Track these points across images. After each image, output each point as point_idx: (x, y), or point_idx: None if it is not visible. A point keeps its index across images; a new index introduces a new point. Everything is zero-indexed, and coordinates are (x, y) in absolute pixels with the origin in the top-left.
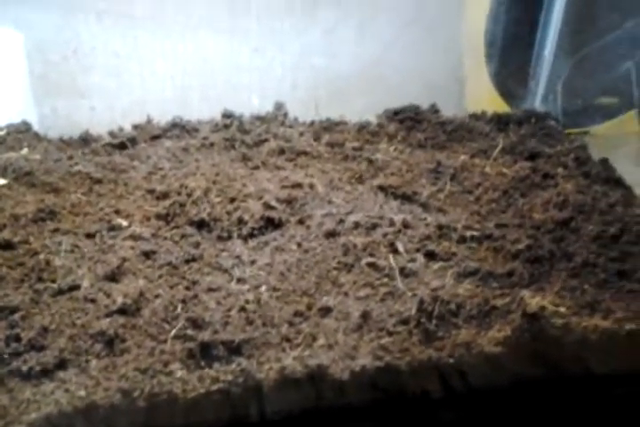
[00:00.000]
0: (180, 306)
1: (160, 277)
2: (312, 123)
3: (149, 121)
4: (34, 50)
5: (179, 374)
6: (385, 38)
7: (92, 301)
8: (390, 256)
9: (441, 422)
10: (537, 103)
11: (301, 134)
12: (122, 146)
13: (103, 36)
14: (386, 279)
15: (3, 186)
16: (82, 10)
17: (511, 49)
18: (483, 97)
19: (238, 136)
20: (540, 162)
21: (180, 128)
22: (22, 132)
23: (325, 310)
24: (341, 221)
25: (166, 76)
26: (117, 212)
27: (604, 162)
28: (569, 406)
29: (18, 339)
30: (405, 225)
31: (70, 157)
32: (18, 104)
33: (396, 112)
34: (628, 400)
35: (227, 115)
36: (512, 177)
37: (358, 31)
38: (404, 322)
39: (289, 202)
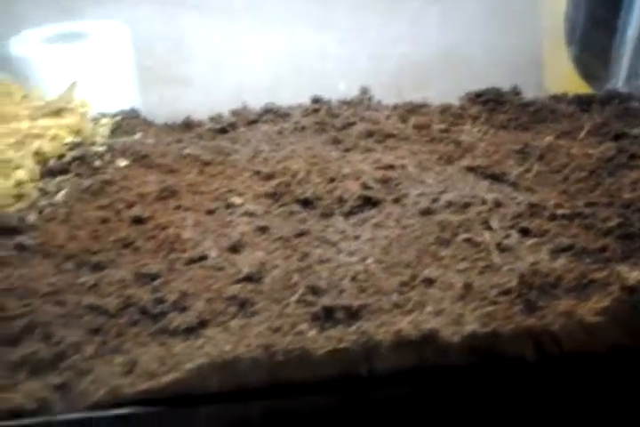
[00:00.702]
0: (296, 275)
1: (275, 249)
2: (396, 106)
3: (245, 107)
4: (141, 42)
5: (309, 333)
6: (466, 24)
7: (221, 269)
8: (485, 233)
9: (539, 385)
10: (619, 84)
11: (388, 117)
12: (223, 130)
13: (204, 28)
14: (483, 254)
15: (125, 167)
16: (185, 5)
17: (592, 31)
18: (563, 79)
19: (328, 120)
20: (626, 143)
21: (273, 113)
22: (133, 118)
23: (429, 281)
24: (435, 200)
25: (260, 66)
26: (230, 191)
27: None
28: None
29: (162, 301)
30: (497, 204)
31: (179, 141)
32: (126, 93)
33: (478, 94)
34: None
35: (316, 100)
36: (598, 157)
37: (440, 18)
38: (506, 293)
39: (384, 182)
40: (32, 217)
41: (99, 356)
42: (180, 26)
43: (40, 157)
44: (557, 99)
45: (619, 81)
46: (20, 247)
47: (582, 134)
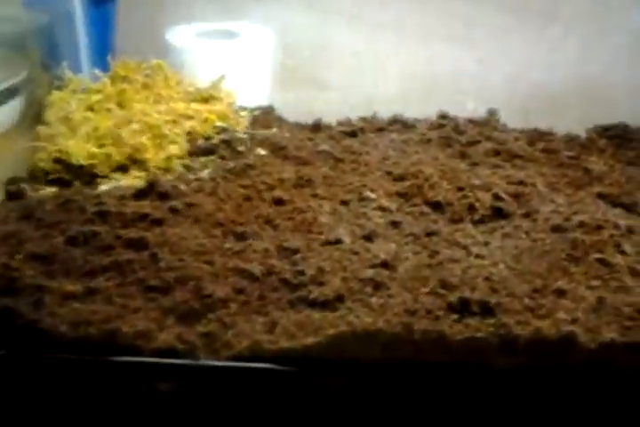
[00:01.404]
0: (427, 270)
1: (406, 244)
2: (522, 130)
3: (374, 115)
4: (290, 44)
5: (448, 319)
6: (608, 58)
7: (356, 253)
8: (618, 255)
9: None
10: None
11: (516, 139)
12: (353, 134)
13: (349, 37)
14: (616, 275)
15: (264, 155)
16: (336, 13)
17: None
18: None
19: (453, 135)
20: None
21: (400, 124)
22: (269, 114)
23: (560, 292)
24: (567, 219)
25: (394, 78)
26: (364, 186)
27: None
28: None
29: (302, 273)
30: (630, 230)
31: (311, 139)
32: (265, 90)
33: (606, 128)
34: None
35: (442, 115)
36: None
37: (582, 48)
38: None
39: (515, 196)
40: (183, 187)
41: (242, 313)
42: (328, 32)
43: (191, 136)
44: None
45: None
46: (174, 210)
47: None
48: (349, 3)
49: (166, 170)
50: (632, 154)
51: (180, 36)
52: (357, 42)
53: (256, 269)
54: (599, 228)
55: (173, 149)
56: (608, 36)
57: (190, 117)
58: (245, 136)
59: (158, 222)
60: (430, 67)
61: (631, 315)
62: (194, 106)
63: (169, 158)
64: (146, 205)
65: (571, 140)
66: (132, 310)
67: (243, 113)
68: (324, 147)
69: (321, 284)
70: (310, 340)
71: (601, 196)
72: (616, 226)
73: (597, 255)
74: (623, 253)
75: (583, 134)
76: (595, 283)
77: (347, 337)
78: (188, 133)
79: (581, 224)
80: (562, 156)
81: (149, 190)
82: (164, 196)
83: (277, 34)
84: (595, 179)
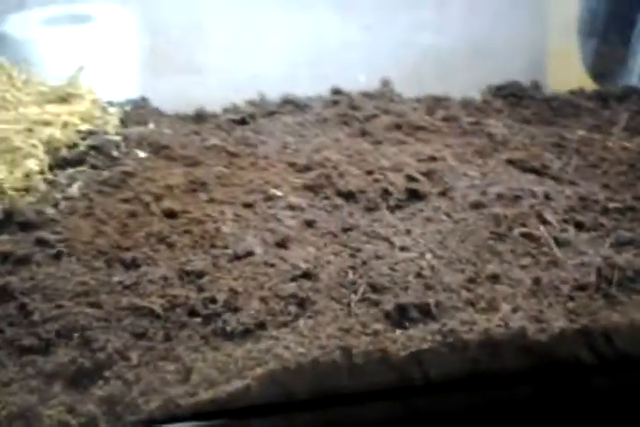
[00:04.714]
0: (351, 272)
1: (325, 245)
2: (418, 99)
3: (263, 97)
4: (154, 27)
5: (386, 334)
6: (492, 15)
7: (272, 266)
8: (541, 227)
9: None
10: (633, 81)
11: (414, 110)
12: (242, 121)
13: (222, 13)
14: (544, 249)
15: (145, 158)
16: None
17: (606, 26)
18: (570, 75)
19: (350, 112)
20: None
21: (292, 104)
22: (142, 108)
23: (494, 277)
24: (484, 193)
25: (278, 53)
26: (267, 183)
27: None
28: None
29: (213, 301)
30: (547, 197)
31: (197, 133)
32: (135, 81)
33: (499, 88)
34: None
35: (336, 91)
36: (637, 151)
37: (466, 8)
38: (581, 288)
39: (428, 174)
40: (50, 210)
41: (147, 363)
42: (197, 10)
43: (51, 145)
44: (576, 94)
45: (632, 77)
46: (42, 243)
47: (621, 126)
48: None
49: (26, 190)
50: (527, 112)
51: (20, 25)
52: (232, 17)
53: (156, 304)
54: (517, 198)
55: (31, 164)
56: None
57: (47, 123)
58: (118, 138)
59: (23, 261)
60: (315, 39)
61: (572, 294)
62: (50, 108)
63: (27, 176)
64: (5, 241)
65: (467, 104)
66: (2, 383)
67: (111, 110)
68: (214, 141)
69: (237, 310)
70: (236, 385)
71: (510, 162)
72: (533, 194)
73: (522, 229)
74: (546, 222)
75: (477, 96)
76: (525, 261)
77: (279, 375)
78: (48, 143)
79: (499, 197)
80: (463, 122)
81: (7, 221)
82: (26, 226)
83: (140, 14)
84: (499, 144)
